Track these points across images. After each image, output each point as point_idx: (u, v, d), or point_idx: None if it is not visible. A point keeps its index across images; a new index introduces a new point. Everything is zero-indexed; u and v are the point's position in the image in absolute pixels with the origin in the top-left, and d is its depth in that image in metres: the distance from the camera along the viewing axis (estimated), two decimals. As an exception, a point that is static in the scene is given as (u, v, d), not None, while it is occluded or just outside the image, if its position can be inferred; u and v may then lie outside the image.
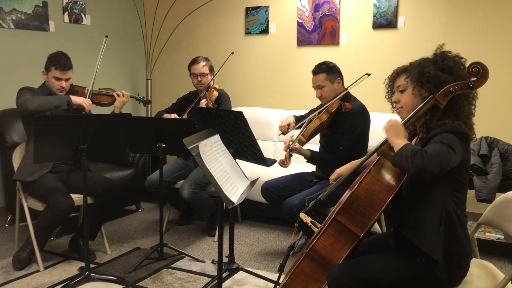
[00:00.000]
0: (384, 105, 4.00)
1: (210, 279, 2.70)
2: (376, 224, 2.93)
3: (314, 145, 3.10)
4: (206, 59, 3.52)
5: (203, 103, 3.30)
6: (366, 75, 2.76)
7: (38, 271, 2.81)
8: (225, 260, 2.73)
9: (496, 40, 3.55)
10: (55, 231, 3.35)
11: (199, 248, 3.26)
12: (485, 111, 3.49)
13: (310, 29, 4.21)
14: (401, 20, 3.86)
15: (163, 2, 4.78)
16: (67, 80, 2.96)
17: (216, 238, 3.43)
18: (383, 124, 1.77)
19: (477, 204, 3.10)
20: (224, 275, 2.63)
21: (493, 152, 3.11)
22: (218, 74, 3.58)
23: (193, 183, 3.25)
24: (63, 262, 2.95)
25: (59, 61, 2.90)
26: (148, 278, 2.74)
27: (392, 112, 1.88)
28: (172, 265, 2.93)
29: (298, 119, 3.07)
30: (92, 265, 2.85)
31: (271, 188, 2.98)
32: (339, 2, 4.06)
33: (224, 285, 2.64)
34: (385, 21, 3.90)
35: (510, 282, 1.61)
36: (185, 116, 3.49)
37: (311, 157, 2.83)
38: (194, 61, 3.50)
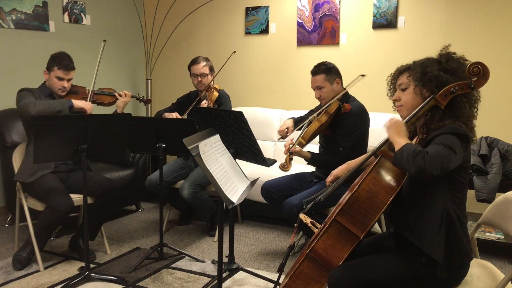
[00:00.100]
0: (384, 105, 4.01)
1: (210, 279, 2.70)
2: (376, 224, 2.92)
3: (314, 145, 3.10)
4: (206, 59, 3.52)
5: (203, 104, 3.30)
6: (361, 76, 2.75)
7: (38, 271, 2.81)
8: (225, 260, 2.73)
9: (496, 40, 3.55)
10: (55, 231, 3.35)
11: (199, 248, 3.26)
12: (485, 111, 3.47)
13: (310, 29, 4.21)
14: (401, 20, 3.86)
15: (163, 2, 4.78)
16: (69, 80, 2.97)
17: (216, 238, 3.43)
18: (383, 124, 1.76)
19: (477, 204, 3.10)
20: (224, 275, 2.63)
21: (493, 152, 3.11)
22: (218, 74, 3.58)
23: (193, 183, 3.25)
24: (63, 262, 2.95)
25: (62, 61, 2.91)
26: (148, 278, 2.74)
27: (394, 111, 1.88)
28: (172, 265, 2.93)
29: (297, 120, 3.07)
30: (92, 265, 2.85)
31: (271, 188, 2.98)
32: (339, 2, 4.06)
33: (224, 285, 2.64)
34: (385, 21, 3.90)
35: (510, 282, 1.61)
36: (185, 116, 3.49)
37: (311, 159, 2.83)
38: (194, 61, 3.49)
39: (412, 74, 1.72)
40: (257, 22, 4.46)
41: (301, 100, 4.26)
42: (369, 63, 4.01)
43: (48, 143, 2.46)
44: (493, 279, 1.70)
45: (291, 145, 2.74)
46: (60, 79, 2.92)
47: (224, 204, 2.36)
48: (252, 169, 3.67)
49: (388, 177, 1.62)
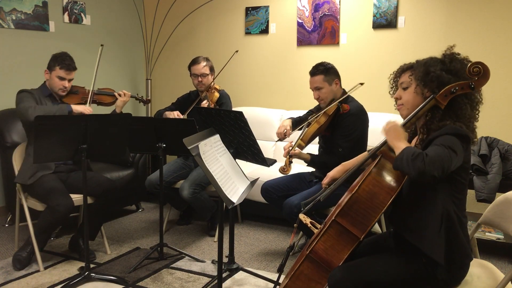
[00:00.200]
0: (384, 105, 4.01)
1: (210, 279, 2.70)
2: (376, 224, 2.92)
3: (313, 145, 3.10)
4: (207, 59, 3.51)
5: (204, 104, 3.30)
6: (359, 85, 2.75)
7: (38, 271, 2.81)
8: (225, 260, 2.73)
9: (496, 40, 3.55)
10: (55, 231, 3.35)
11: (199, 248, 3.26)
12: (485, 111, 3.45)
13: (310, 29, 4.21)
14: (401, 20, 3.86)
15: (163, 2, 4.78)
16: (70, 80, 2.97)
17: (216, 238, 3.43)
18: (382, 124, 1.76)
19: (477, 204, 3.10)
20: (224, 275, 2.64)
21: (493, 152, 3.11)
22: (218, 74, 3.58)
23: (193, 183, 3.25)
24: (63, 262, 2.95)
25: (64, 61, 2.91)
26: (148, 278, 2.74)
27: (395, 109, 1.87)
28: (172, 265, 2.93)
29: (296, 121, 3.06)
30: (92, 265, 2.85)
31: (271, 188, 2.97)
32: (339, 2, 4.06)
33: (224, 285, 2.64)
34: (385, 21, 3.90)
35: (510, 282, 1.61)
36: (185, 116, 3.49)
37: (311, 160, 2.82)
38: (195, 62, 3.49)
39: (415, 73, 1.71)
40: (257, 22, 4.46)
41: (301, 100, 4.26)
42: (369, 63, 4.01)
43: (48, 143, 2.46)
44: (493, 279, 1.70)
45: (290, 148, 2.74)
46: (62, 78, 2.93)
47: (224, 204, 2.36)
48: (252, 169, 3.67)
49: (388, 178, 1.61)
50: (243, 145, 2.53)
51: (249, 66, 4.56)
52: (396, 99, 1.80)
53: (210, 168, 1.87)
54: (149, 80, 4.93)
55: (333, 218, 1.63)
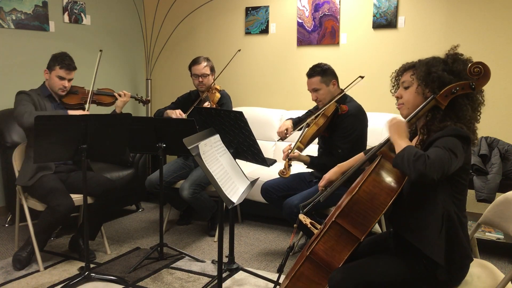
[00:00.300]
0: (384, 105, 4.01)
1: (210, 279, 2.70)
2: (376, 224, 2.92)
3: (313, 145, 3.09)
4: (207, 60, 3.51)
5: (206, 105, 3.29)
6: (359, 78, 2.74)
7: (38, 271, 2.81)
8: (225, 260, 2.73)
9: (496, 40, 3.55)
10: (55, 231, 3.35)
11: (199, 248, 3.26)
12: (485, 111, 3.44)
13: (310, 29, 4.21)
14: (401, 20, 3.86)
15: (163, 2, 4.78)
16: (69, 80, 2.97)
17: (216, 238, 3.43)
18: (382, 124, 1.76)
19: (477, 204, 3.10)
20: (224, 275, 2.63)
21: (493, 152, 3.11)
22: (217, 75, 3.58)
23: (193, 183, 3.25)
24: (63, 262, 2.95)
25: (64, 61, 2.92)
26: (148, 278, 2.74)
27: (397, 107, 1.86)
28: (172, 265, 2.93)
29: (295, 121, 3.06)
30: (92, 265, 2.85)
31: (271, 188, 2.97)
32: (339, 2, 4.06)
33: (224, 285, 2.64)
34: (385, 21, 3.90)
35: (510, 282, 1.61)
36: (186, 116, 3.48)
37: (310, 162, 2.82)
38: (195, 62, 3.48)
39: (416, 73, 1.69)
40: (257, 22, 4.46)
41: (301, 100, 4.26)
42: (369, 63, 4.01)
43: (48, 143, 2.46)
44: (493, 279, 1.70)
45: (289, 151, 2.74)
46: (61, 78, 2.93)
47: (224, 204, 2.36)
48: (252, 169, 3.67)
49: (388, 179, 1.60)
50: (243, 145, 2.53)
51: (249, 66, 4.56)
52: (397, 98, 1.80)
53: (210, 168, 1.87)
54: (149, 80, 4.93)
55: (333, 219, 1.62)
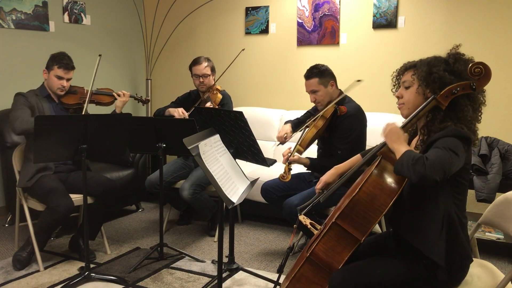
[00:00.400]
0: (384, 105, 4.01)
1: (210, 279, 2.70)
2: (376, 224, 2.92)
3: (313, 145, 3.09)
4: (208, 60, 3.50)
5: (209, 106, 3.29)
6: (356, 82, 2.72)
7: (38, 271, 2.81)
8: (225, 260, 2.73)
9: (496, 40, 3.55)
10: (55, 231, 3.35)
11: (199, 248, 3.26)
12: (485, 111, 3.45)
13: (310, 29, 4.21)
14: (401, 20, 3.86)
15: (163, 2, 4.78)
16: (68, 80, 2.97)
17: (216, 238, 3.43)
18: (382, 124, 1.75)
19: (477, 204, 3.10)
20: (224, 275, 2.64)
21: (493, 152, 3.11)
22: (218, 75, 3.58)
23: (193, 184, 3.25)
24: (63, 262, 2.95)
25: (62, 60, 2.91)
26: (148, 278, 2.74)
27: (398, 107, 1.85)
28: (172, 265, 2.93)
29: (294, 123, 3.06)
30: (92, 265, 2.85)
31: (271, 189, 2.97)
32: (339, 2, 4.06)
33: (224, 285, 2.64)
34: (385, 21, 3.90)
35: (510, 282, 1.60)
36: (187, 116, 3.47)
37: (310, 164, 2.81)
38: (196, 62, 3.46)
39: (417, 73, 1.68)
40: (257, 22, 4.46)
41: (301, 100, 4.26)
42: (369, 63, 4.01)
43: (48, 143, 2.46)
44: (493, 279, 1.70)
45: (289, 154, 2.73)
46: (60, 78, 2.92)
47: (224, 204, 2.36)
48: (252, 169, 3.67)
49: (389, 180, 1.59)
50: (243, 145, 2.53)
51: (249, 66, 4.56)
52: (398, 98, 1.79)
53: (210, 168, 1.87)
54: (149, 80, 4.93)
55: (333, 220, 1.61)
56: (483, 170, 3.04)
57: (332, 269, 1.63)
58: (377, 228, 3.02)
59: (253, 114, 4.21)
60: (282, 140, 2.92)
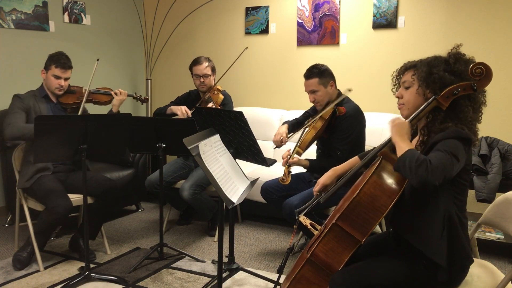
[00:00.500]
0: (384, 105, 4.01)
1: (210, 279, 2.70)
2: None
3: (312, 146, 3.09)
4: (208, 60, 3.49)
5: (211, 106, 3.29)
6: (347, 91, 2.72)
7: (38, 271, 2.81)
8: (225, 260, 2.73)
9: (496, 40, 3.55)
10: (55, 231, 3.35)
11: (199, 248, 3.26)
12: (485, 111, 3.45)
13: (310, 29, 4.21)
14: (401, 20, 3.86)
15: (163, 2, 4.78)
16: (66, 79, 2.96)
17: (216, 238, 3.43)
18: (382, 124, 1.75)
19: (477, 204, 3.10)
20: (224, 275, 2.64)
21: (493, 152, 3.11)
22: (218, 75, 3.57)
23: (194, 184, 3.25)
24: (63, 262, 2.95)
25: (59, 60, 2.91)
26: (148, 278, 2.74)
27: (398, 108, 1.85)
28: (172, 265, 2.93)
29: (292, 124, 3.05)
30: (92, 265, 2.85)
31: (271, 189, 2.97)
32: (339, 2, 4.06)
33: (224, 285, 2.64)
34: (385, 21, 3.90)
35: (510, 282, 1.60)
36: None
37: (310, 166, 2.80)
38: (196, 62, 3.46)
39: (417, 73, 1.67)
40: (257, 22, 4.46)
41: (301, 100, 4.26)
42: (369, 63, 4.01)
43: (48, 143, 2.46)
44: (493, 279, 1.70)
45: (288, 156, 2.73)
46: (57, 77, 2.92)
47: (224, 204, 2.36)
48: (252, 169, 3.67)
49: (390, 181, 1.58)
50: (243, 145, 2.53)
51: (249, 66, 4.56)
52: (398, 98, 1.78)
53: (210, 168, 1.87)
54: (149, 80, 4.93)
55: (333, 221, 1.61)
56: (483, 170, 3.04)
57: (332, 270, 1.62)
58: (377, 228, 3.02)
59: (253, 114, 4.21)
60: (278, 144, 2.91)
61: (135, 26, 4.88)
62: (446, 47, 1.70)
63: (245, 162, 2.65)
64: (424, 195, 1.59)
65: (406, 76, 1.75)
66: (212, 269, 2.88)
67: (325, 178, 2.08)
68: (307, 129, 2.77)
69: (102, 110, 3.18)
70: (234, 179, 2.04)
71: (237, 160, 2.38)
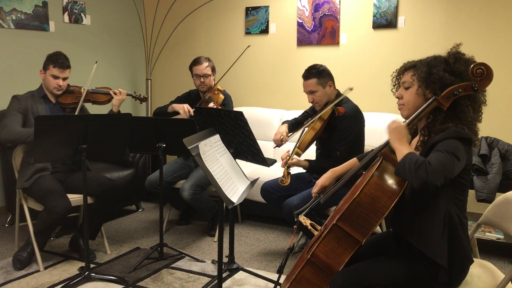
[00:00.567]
0: (384, 105, 4.01)
1: (210, 279, 2.70)
2: (377, 225, 2.92)
3: (312, 146, 3.09)
4: (208, 60, 3.49)
5: (211, 106, 3.29)
6: (348, 90, 2.72)
7: (38, 271, 2.81)
8: (225, 260, 2.73)
9: (496, 40, 3.55)
10: (55, 231, 3.35)
11: (199, 248, 3.26)
12: (485, 111, 3.44)
13: (310, 29, 4.21)
14: (401, 20, 3.86)
15: (163, 2, 4.78)
16: (64, 79, 2.96)
17: (216, 238, 3.43)
18: (382, 124, 1.75)
19: (477, 204, 3.10)
20: (224, 275, 2.64)
21: (493, 152, 3.11)
22: (218, 75, 3.57)
23: (193, 184, 3.25)
24: (63, 262, 2.95)
25: (57, 60, 2.91)
26: (148, 278, 2.74)
27: (398, 108, 1.85)
28: (172, 265, 2.93)
29: (292, 124, 3.05)
30: (92, 265, 2.85)
31: (271, 189, 2.97)
32: (339, 2, 4.06)
33: (224, 285, 2.64)
34: (385, 21, 3.90)
35: (510, 282, 1.60)
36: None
37: (309, 167, 2.80)
38: (197, 62, 3.45)
39: (417, 73, 1.67)
40: (257, 22, 4.46)
41: (301, 100, 4.25)
42: (369, 63, 4.01)
43: (48, 143, 2.46)
44: (493, 279, 1.70)
45: (288, 157, 2.73)
46: (56, 77, 2.92)
47: (224, 204, 2.36)
48: (252, 169, 3.67)
49: (390, 181, 1.58)
50: (243, 145, 2.53)
51: (249, 66, 4.56)
52: (398, 98, 1.78)
53: (210, 168, 1.87)
54: (149, 80, 4.93)
55: (334, 222, 1.60)
56: (483, 170, 3.04)
57: (332, 270, 1.62)
58: (377, 228, 3.02)
59: (253, 114, 4.21)
60: (279, 143, 2.92)
61: (135, 26, 4.88)
62: (446, 47, 1.69)
63: (245, 162, 2.65)
64: (425, 196, 1.59)
65: (405, 76, 1.75)
66: (212, 269, 2.88)
67: (324, 179, 2.07)
68: (306, 129, 2.77)
69: (102, 110, 3.18)
70: (234, 179, 2.04)
71: (237, 160, 2.38)
